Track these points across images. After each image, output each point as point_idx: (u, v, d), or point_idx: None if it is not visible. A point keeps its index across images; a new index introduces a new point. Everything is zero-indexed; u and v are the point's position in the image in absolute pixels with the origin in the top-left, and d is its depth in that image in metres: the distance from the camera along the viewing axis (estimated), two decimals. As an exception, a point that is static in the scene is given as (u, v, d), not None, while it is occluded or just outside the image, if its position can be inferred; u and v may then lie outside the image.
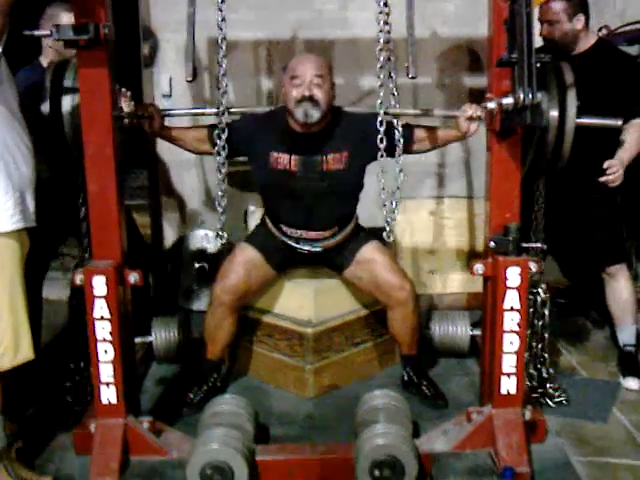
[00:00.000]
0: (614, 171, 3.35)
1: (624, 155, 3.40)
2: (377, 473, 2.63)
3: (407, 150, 3.21)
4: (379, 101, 2.99)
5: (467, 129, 3.05)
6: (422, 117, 3.29)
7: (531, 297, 3.21)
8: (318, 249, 3.41)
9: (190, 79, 3.03)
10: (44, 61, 3.43)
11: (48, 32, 2.54)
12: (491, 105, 2.71)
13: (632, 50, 4.31)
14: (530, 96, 2.43)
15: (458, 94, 4.71)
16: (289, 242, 3.42)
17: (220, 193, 3.11)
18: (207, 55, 4.51)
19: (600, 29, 4.23)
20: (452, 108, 4.49)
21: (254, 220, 4.28)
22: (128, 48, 3.23)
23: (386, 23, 2.96)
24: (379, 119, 3.00)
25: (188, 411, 3.29)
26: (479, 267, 2.88)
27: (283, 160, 3.26)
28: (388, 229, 3.10)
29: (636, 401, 3.47)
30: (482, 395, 3.08)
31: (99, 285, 2.69)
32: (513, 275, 2.76)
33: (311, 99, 3.11)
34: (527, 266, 2.77)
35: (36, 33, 2.66)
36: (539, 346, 3.34)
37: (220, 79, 3.05)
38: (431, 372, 3.63)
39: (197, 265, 4.57)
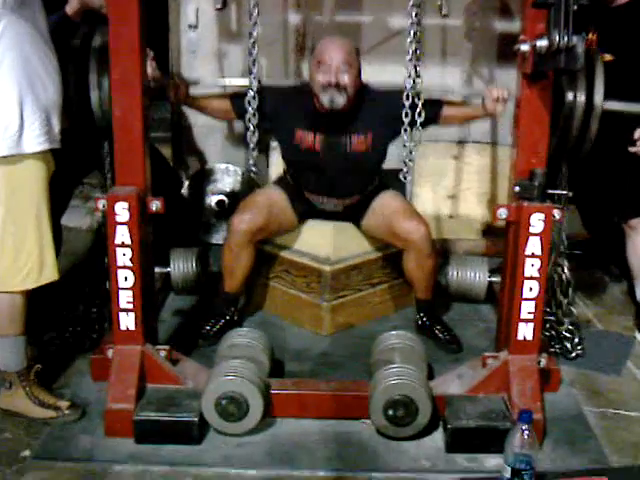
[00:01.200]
0: None
1: None
2: (391, 412, 2.65)
3: (433, 123, 3.33)
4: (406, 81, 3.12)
5: (493, 109, 3.11)
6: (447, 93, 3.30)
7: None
8: (339, 209, 3.52)
9: (219, 7, 2.99)
10: (69, 10, 3.40)
11: None
12: (524, 47, 2.64)
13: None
14: (565, 39, 2.37)
15: (488, 38, 4.63)
16: (312, 201, 3.50)
17: (251, 128, 3.15)
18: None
19: None
20: (480, 52, 4.49)
21: (276, 157, 4.26)
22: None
23: None
24: (406, 105, 3.17)
25: (204, 343, 3.32)
26: (502, 211, 2.84)
27: (307, 138, 3.31)
28: (405, 170, 3.12)
29: (651, 355, 3.46)
30: (498, 341, 3.08)
31: (121, 211, 2.67)
32: (536, 221, 2.72)
33: (337, 86, 3.13)
34: (551, 213, 2.73)
35: None
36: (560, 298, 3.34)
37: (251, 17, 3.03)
38: (447, 317, 3.64)
39: (217, 198, 4.55)
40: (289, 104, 3.36)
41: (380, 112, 3.31)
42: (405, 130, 3.26)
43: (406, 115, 3.23)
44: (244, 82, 3.23)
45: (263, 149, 4.46)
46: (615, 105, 2.80)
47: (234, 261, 3.41)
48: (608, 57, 3.23)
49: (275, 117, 3.35)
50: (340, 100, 3.15)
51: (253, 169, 3.32)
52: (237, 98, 3.32)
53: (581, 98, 2.80)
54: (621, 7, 3.39)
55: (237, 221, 3.35)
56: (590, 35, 3.28)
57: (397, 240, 3.40)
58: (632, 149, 3.30)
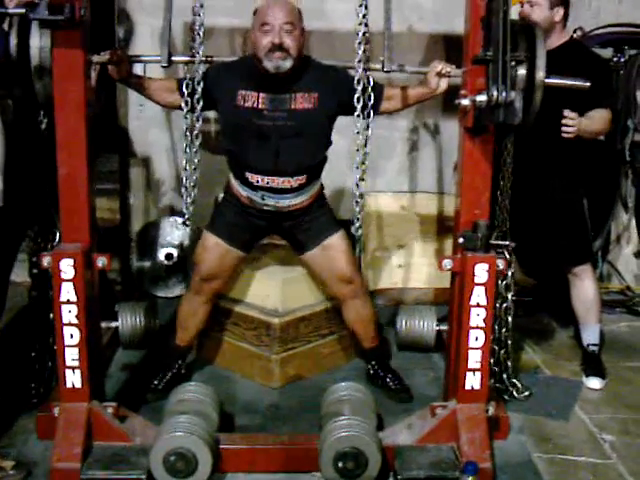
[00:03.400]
0: (571, 119, 3.35)
1: (584, 119, 3.42)
2: (341, 464, 2.65)
3: (376, 108, 3.15)
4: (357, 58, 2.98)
5: (437, 85, 3.01)
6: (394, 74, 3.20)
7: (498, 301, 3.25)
8: (284, 204, 3.26)
9: (166, 65, 2.98)
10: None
11: (23, 10, 2.49)
12: (465, 102, 2.70)
13: (605, 53, 4.36)
14: (504, 94, 2.43)
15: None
16: (254, 198, 3.25)
17: (191, 183, 3.10)
18: (182, 42, 4.43)
19: (575, 30, 4.24)
20: (425, 107, 4.56)
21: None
22: (103, 30, 3.15)
23: (364, 16, 2.95)
24: (357, 77, 2.99)
25: (153, 397, 3.29)
26: (447, 262, 2.89)
27: (251, 97, 3.14)
28: (357, 224, 3.14)
29: (598, 400, 3.50)
30: (446, 390, 3.09)
31: (67, 268, 2.66)
32: (481, 271, 2.77)
33: (281, 47, 3.01)
34: (495, 263, 2.78)
35: (10, 11, 2.61)
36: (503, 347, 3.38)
37: (195, 65, 3.02)
38: (397, 366, 3.63)
39: (165, 251, 4.53)
40: (232, 71, 3.23)
41: (327, 77, 3.20)
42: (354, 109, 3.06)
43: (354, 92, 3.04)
44: (189, 58, 3.07)
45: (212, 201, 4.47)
46: (556, 80, 2.79)
47: (191, 316, 3.41)
48: None
49: (217, 84, 3.17)
50: (286, 64, 3.04)
51: (187, 222, 3.21)
52: (183, 80, 3.10)
53: (523, 71, 2.69)
54: (554, 50, 3.44)
55: (198, 279, 3.36)
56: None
57: (332, 283, 3.40)
58: (564, 131, 3.37)
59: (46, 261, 2.68)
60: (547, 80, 2.70)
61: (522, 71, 2.68)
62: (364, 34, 2.96)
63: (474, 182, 2.84)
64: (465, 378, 2.85)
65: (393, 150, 4.78)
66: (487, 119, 2.61)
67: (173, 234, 4.64)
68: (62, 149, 2.69)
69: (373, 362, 3.50)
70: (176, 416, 2.75)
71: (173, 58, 3.01)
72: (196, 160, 3.10)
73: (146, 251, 4.64)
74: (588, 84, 2.84)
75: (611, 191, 4.66)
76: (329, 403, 3.00)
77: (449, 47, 4.64)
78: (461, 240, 2.83)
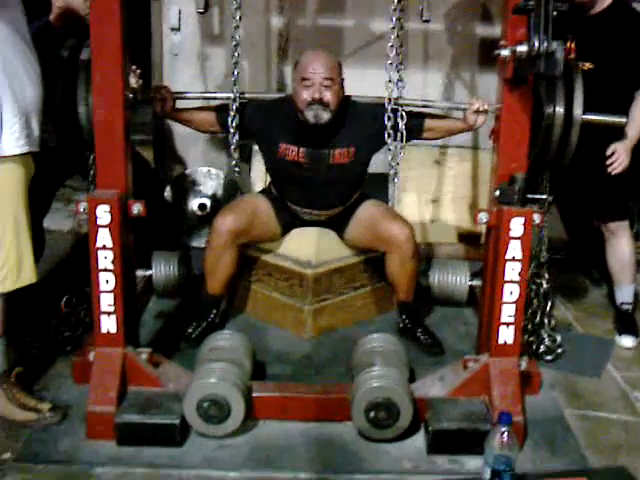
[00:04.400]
0: (617, 158, 3.38)
1: (630, 133, 3.39)
2: (372, 415, 2.66)
3: (416, 137, 3.37)
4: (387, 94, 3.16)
5: (474, 122, 3.13)
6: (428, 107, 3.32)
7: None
8: (323, 218, 3.55)
9: (202, 10, 2.99)
10: (52, 17, 3.39)
11: None
12: (505, 52, 2.66)
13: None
14: (545, 44, 2.39)
15: (469, 42, 4.66)
16: (294, 211, 3.53)
17: (232, 129, 3.20)
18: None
19: None
20: (462, 57, 4.51)
21: (258, 161, 4.27)
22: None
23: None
24: (386, 120, 3.21)
25: (186, 345, 3.31)
26: (483, 216, 2.87)
27: (291, 152, 3.35)
28: (393, 173, 3.15)
29: (630, 358, 3.49)
30: (479, 344, 3.09)
31: (102, 214, 2.67)
32: (517, 225, 2.74)
33: (321, 102, 3.17)
34: (531, 217, 2.75)
35: None
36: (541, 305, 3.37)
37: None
38: (428, 321, 3.64)
39: (199, 202, 4.54)
40: (273, 118, 3.38)
41: (363, 126, 3.34)
42: (388, 146, 3.28)
43: (388, 132, 3.24)
44: (229, 95, 3.21)
45: (245, 156, 4.46)
46: (594, 116, 2.83)
47: (216, 262, 3.40)
48: (588, 65, 3.26)
49: (259, 131, 3.40)
50: (324, 116, 3.19)
51: (236, 169, 3.33)
52: (222, 111, 3.31)
53: (560, 109, 2.83)
54: (599, 15, 3.42)
55: (220, 222, 3.36)
56: (568, 44, 3.31)
57: (381, 243, 3.41)
58: (608, 164, 3.35)
59: (82, 207, 2.69)
60: (584, 117, 2.81)
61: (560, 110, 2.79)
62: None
63: (512, 134, 2.81)
64: (498, 332, 2.84)
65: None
66: (527, 70, 2.57)
67: (206, 184, 4.64)
68: (98, 95, 2.68)
69: (404, 316, 3.50)
70: (210, 363, 2.78)
71: (213, 95, 3.20)
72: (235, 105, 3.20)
73: (180, 201, 4.64)
74: (624, 120, 2.84)
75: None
76: (361, 354, 3.01)
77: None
78: (497, 193, 2.80)
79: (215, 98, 3.43)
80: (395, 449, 2.71)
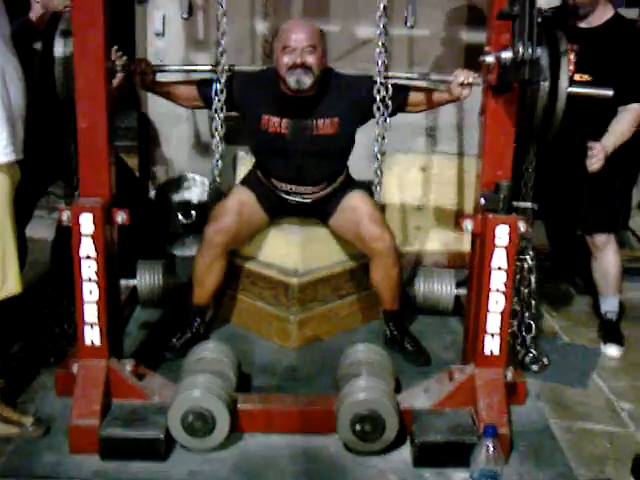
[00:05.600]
0: (595, 154, 3.34)
1: (609, 141, 3.37)
2: (358, 427, 2.64)
3: (400, 110, 3.31)
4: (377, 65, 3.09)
5: (459, 94, 3.09)
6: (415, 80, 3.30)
7: (518, 263, 3.19)
8: (307, 201, 3.45)
9: (186, 16, 2.98)
10: (33, 16, 3.37)
11: None
12: (489, 59, 2.64)
13: (631, 13, 4.27)
14: (530, 50, 2.39)
15: (455, 48, 4.66)
16: (279, 193, 3.44)
17: (217, 137, 3.18)
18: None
19: None
20: (447, 63, 4.51)
21: (243, 166, 4.24)
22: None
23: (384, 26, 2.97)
24: (375, 88, 3.13)
25: (171, 356, 3.29)
26: (468, 223, 2.85)
27: (274, 123, 3.29)
28: (376, 181, 3.13)
29: (616, 368, 3.49)
30: (465, 354, 3.08)
31: (86, 223, 2.64)
32: (502, 233, 2.72)
33: (303, 65, 3.12)
34: (516, 225, 2.74)
35: None
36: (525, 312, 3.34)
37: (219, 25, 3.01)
38: (414, 330, 3.62)
39: (183, 209, 4.51)
40: (255, 89, 3.33)
41: (347, 96, 3.29)
42: (374, 116, 3.24)
43: (375, 102, 3.20)
44: (210, 67, 3.17)
45: (230, 160, 4.45)
46: (579, 89, 2.79)
47: (206, 272, 3.38)
48: (586, 77, 3.27)
49: (242, 103, 3.31)
50: (307, 80, 3.13)
51: (217, 176, 3.30)
52: (204, 85, 3.26)
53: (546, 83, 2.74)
54: (598, 28, 3.41)
55: (212, 233, 3.33)
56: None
57: (361, 243, 3.39)
58: (589, 165, 3.34)
59: (65, 216, 2.66)
60: (570, 89, 2.72)
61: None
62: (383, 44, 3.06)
63: (497, 142, 2.80)
64: (484, 342, 2.83)
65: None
66: (512, 77, 2.56)
67: (191, 192, 4.61)
68: (81, 101, 2.65)
69: (391, 324, 3.48)
70: (194, 375, 2.76)
71: (193, 67, 3.12)
72: (222, 115, 3.18)
73: (165, 209, 4.61)
74: (610, 93, 2.80)
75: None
76: (347, 365, 2.99)
77: (472, 5, 4.62)
78: (482, 201, 2.79)
79: (196, 71, 3.40)
80: (381, 462, 2.69)
